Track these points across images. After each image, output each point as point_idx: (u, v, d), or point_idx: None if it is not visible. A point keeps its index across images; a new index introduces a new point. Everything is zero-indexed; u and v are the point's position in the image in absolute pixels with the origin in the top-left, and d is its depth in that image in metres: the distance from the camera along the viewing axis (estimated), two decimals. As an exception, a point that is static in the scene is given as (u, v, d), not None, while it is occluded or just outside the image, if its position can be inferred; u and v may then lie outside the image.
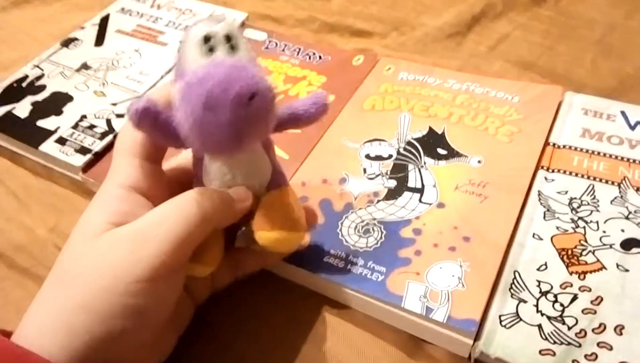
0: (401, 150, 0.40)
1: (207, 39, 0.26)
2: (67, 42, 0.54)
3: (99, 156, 0.43)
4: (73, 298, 0.25)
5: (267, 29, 0.54)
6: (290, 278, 0.35)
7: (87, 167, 0.42)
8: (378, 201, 0.37)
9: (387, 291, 0.32)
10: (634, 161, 0.37)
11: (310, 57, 0.50)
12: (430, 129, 0.41)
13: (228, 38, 0.26)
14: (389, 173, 0.39)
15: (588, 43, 0.50)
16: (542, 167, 0.38)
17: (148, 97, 0.26)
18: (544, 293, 0.31)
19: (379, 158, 0.40)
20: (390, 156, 0.40)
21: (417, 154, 0.40)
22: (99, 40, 0.54)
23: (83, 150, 0.43)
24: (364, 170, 0.39)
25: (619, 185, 0.36)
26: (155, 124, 0.26)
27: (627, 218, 0.34)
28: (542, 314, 0.30)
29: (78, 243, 0.27)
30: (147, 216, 0.27)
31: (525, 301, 0.31)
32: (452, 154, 0.39)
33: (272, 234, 0.29)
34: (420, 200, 0.37)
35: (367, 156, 0.40)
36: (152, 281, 0.25)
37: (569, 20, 0.53)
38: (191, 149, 0.30)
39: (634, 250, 0.32)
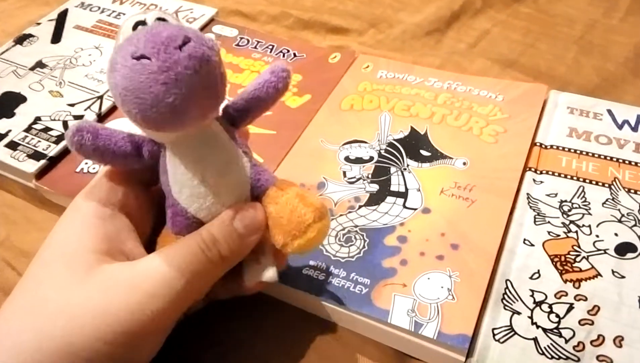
0: (382, 152, 0.38)
1: (138, 24, 0.23)
2: (21, 39, 0.50)
3: (54, 161, 0.39)
4: (54, 337, 0.22)
5: (238, 25, 0.51)
6: (267, 293, 0.32)
7: (41, 174, 0.39)
8: (360, 206, 0.35)
9: (372, 305, 0.29)
10: (624, 161, 0.36)
11: (284, 55, 0.47)
12: (412, 129, 0.39)
13: (160, 20, 0.24)
14: (370, 176, 0.36)
15: (569, 41, 0.49)
16: (530, 168, 0.36)
17: (83, 119, 0.23)
18: (538, 304, 0.29)
19: (359, 160, 0.38)
20: (371, 159, 0.37)
21: (399, 156, 0.38)
22: (56, 36, 0.50)
23: (37, 155, 0.39)
24: (344, 173, 0.37)
25: (609, 187, 0.34)
26: (96, 144, 0.24)
27: (619, 221, 0.32)
28: (538, 326, 0.28)
29: (62, 273, 0.24)
30: (151, 263, 0.24)
31: (519, 313, 0.29)
32: (436, 155, 0.37)
33: (303, 239, 0.25)
34: (404, 205, 0.34)
35: (347, 159, 0.38)
36: (147, 334, 0.24)
37: (549, 18, 0.52)
38: (145, 155, 0.26)
39: (629, 255, 0.31)
